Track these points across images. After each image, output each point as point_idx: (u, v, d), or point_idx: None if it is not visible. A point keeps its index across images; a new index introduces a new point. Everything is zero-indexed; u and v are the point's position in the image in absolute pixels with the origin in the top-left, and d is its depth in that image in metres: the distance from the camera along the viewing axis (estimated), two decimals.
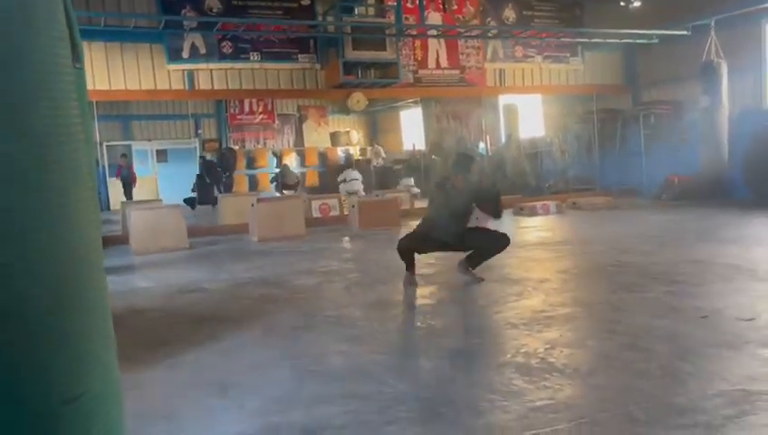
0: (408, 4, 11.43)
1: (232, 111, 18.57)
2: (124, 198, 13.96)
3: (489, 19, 12.36)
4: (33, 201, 0.99)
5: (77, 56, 1.22)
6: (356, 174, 15.11)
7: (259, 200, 9.39)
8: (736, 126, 10.42)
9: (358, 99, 11.64)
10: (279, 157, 18.50)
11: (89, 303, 1.07)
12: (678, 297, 4.17)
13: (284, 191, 15.05)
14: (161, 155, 18.34)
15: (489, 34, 12.11)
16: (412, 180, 15.78)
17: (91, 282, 1.08)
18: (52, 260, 1.00)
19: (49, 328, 0.98)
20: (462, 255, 5.14)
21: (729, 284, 4.46)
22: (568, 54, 13.21)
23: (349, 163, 16.46)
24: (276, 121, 19.40)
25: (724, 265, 5.06)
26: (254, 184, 17.88)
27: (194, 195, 13.99)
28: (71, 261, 1.04)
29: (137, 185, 15.41)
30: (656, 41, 12.05)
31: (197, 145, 18.47)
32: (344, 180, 14.91)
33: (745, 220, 8.07)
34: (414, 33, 11.45)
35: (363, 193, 14.12)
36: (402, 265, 4.96)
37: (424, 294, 4.79)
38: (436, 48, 12.06)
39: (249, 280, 5.77)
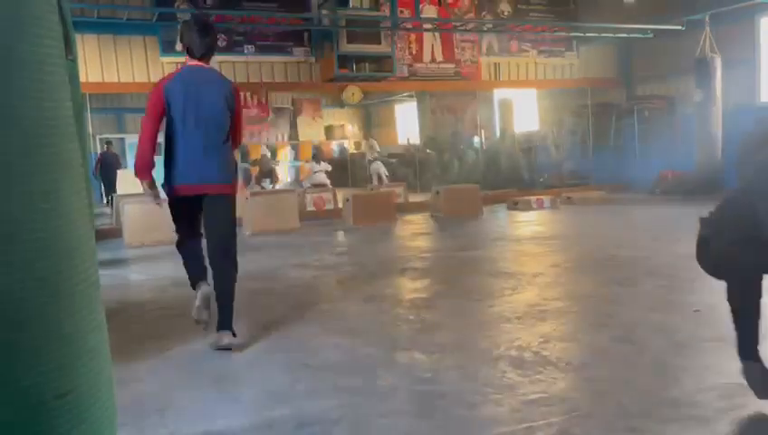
0: None
1: None
2: (104, 195, 13.24)
3: (484, 13, 12.33)
4: (25, 195, 0.98)
5: (70, 48, 1.21)
6: (320, 166, 15.26)
7: (253, 194, 9.37)
8: (730, 121, 10.46)
9: (352, 92, 11.61)
10: (273, 150, 18.47)
11: (81, 296, 1.06)
12: (672, 291, 4.19)
13: (261, 183, 15.35)
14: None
15: (484, 28, 12.10)
16: (383, 167, 15.89)
17: (83, 276, 1.08)
18: (45, 254, 0.99)
19: (41, 322, 0.97)
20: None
21: None
22: (563, 48, 13.21)
23: (315, 155, 16.58)
24: (270, 115, 19.34)
25: None
26: (248, 177, 17.86)
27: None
28: (63, 255, 1.03)
29: (119, 175, 14.76)
30: (650, 35, 12.06)
31: None
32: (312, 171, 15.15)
33: None
34: (409, 26, 11.42)
35: (329, 185, 14.30)
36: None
37: (417, 288, 4.80)
38: (432, 42, 12.04)
39: (243, 273, 5.71)
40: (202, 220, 3.71)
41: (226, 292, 3.47)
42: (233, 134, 3.59)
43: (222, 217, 3.61)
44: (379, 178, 15.60)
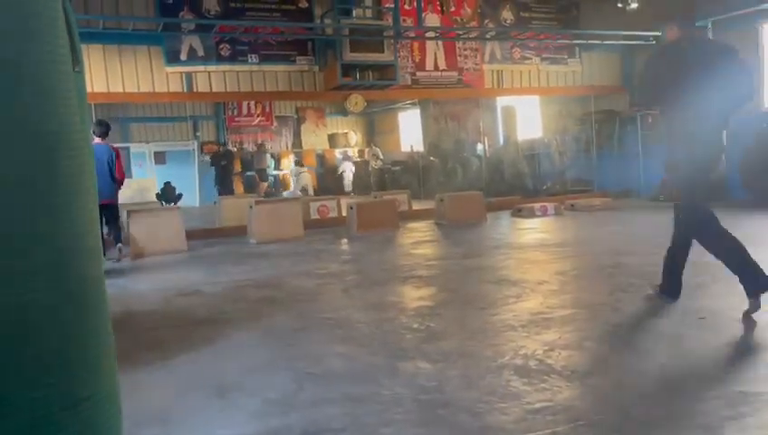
0: (406, 6, 11.44)
1: (230, 113, 18.60)
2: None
3: (487, 21, 12.37)
4: (33, 205, 0.99)
5: (76, 60, 1.22)
6: (301, 168, 17.13)
7: (257, 202, 9.39)
8: (734, 127, 10.43)
9: (356, 100, 11.64)
10: (277, 159, 18.55)
11: (88, 308, 1.07)
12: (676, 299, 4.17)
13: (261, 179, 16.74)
14: (159, 157, 18.34)
15: (487, 36, 12.13)
16: (351, 165, 18.02)
17: (90, 286, 1.08)
18: (52, 265, 1.00)
19: (48, 333, 0.98)
20: None
21: (728, 285, 4.46)
22: (566, 56, 13.23)
23: (296, 161, 18.39)
24: (274, 123, 19.42)
25: (722, 266, 5.06)
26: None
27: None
28: (70, 265, 1.04)
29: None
30: (653, 42, 12.08)
31: (196, 147, 18.50)
32: (296, 175, 17.06)
33: (743, 221, 8.08)
34: (412, 35, 11.46)
35: (308, 184, 16.78)
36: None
37: (422, 296, 4.79)
38: (434, 50, 12.07)
39: (247, 282, 5.77)
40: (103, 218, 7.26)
41: (120, 237, 7.78)
42: (117, 174, 7.41)
43: (115, 214, 7.63)
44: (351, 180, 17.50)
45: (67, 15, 1.20)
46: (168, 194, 16.26)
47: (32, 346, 0.96)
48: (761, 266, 3.50)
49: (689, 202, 3.77)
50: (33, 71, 1.04)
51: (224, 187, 16.22)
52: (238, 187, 17.23)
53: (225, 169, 16.47)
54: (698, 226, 3.73)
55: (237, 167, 17.83)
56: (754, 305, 3.47)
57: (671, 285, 3.96)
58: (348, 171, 18.25)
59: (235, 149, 18.24)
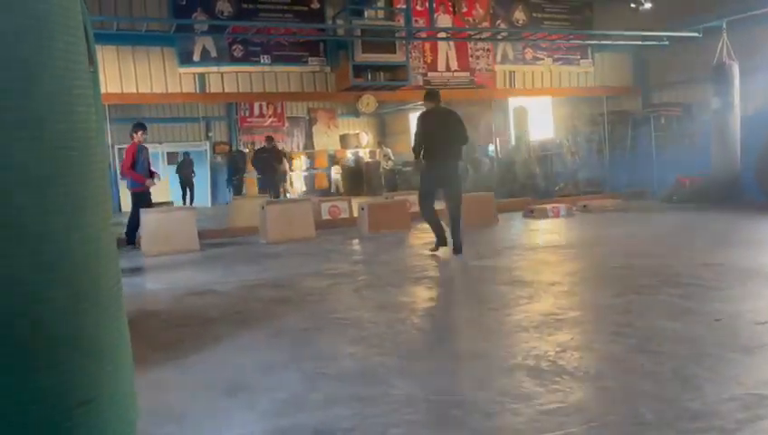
0: (418, 7, 11.44)
1: (242, 113, 18.67)
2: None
3: (499, 21, 12.34)
4: (50, 204, 0.99)
5: (91, 59, 1.23)
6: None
7: (269, 203, 9.42)
8: (749, 128, 10.33)
9: (367, 101, 11.65)
10: (289, 159, 18.63)
11: (104, 306, 1.07)
12: (691, 300, 4.14)
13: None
14: (172, 157, 18.45)
15: (499, 37, 12.09)
16: (338, 167, 18.99)
17: (106, 285, 1.09)
18: (68, 263, 1.01)
19: (65, 331, 0.98)
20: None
21: (743, 287, 4.42)
22: (578, 56, 13.16)
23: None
24: (286, 124, 19.47)
25: (737, 268, 5.02)
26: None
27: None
28: (86, 264, 1.05)
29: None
30: (666, 43, 11.99)
31: (208, 147, 18.58)
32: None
33: (758, 223, 8.00)
34: (423, 35, 11.46)
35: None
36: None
37: (432, 297, 4.78)
38: (446, 50, 12.05)
39: (259, 282, 5.79)
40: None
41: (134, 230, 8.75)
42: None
43: (133, 202, 8.86)
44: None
45: (83, 15, 1.21)
46: (186, 168, 16.41)
47: (47, 344, 0.96)
48: (446, 237, 6.55)
49: (421, 193, 6.73)
50: (48, 69, 1.05)
51: (270, 185, 15.85)
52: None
53: (271, 167, 16.22)
54: (421, 204, 6.69)
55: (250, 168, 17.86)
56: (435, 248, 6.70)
57: (440, 239, 6.65)
58: (333, 173, 18.72)
59: (281, 147, 17.99)
